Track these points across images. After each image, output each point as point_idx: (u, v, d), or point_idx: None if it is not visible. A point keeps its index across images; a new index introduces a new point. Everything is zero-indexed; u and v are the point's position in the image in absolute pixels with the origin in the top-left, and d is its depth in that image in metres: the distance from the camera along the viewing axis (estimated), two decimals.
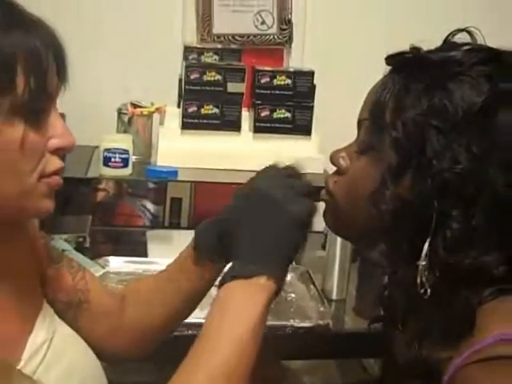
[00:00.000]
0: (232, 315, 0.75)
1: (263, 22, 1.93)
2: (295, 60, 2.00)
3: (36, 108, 0.73)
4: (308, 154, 1.84)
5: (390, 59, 0.83)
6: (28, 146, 0.72)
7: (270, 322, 1.38)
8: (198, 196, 2.10)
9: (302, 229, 0.80)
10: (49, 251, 0.92)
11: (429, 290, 0.74)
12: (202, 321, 0.75)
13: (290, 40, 1.96)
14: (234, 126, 1.81)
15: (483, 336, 0.74)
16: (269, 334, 1.35)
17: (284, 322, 1.39)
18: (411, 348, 0.78)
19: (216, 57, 1.83)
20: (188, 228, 1.99)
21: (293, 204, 0.79)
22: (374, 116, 0.80)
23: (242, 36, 1.93)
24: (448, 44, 0.82)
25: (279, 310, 1.43)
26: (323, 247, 1.70)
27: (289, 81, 1.80)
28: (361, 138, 0.83)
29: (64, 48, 0.75)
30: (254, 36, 1.94)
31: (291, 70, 1.83)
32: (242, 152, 1.81)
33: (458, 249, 0.73)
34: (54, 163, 0.77)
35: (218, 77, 1.75)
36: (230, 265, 0.80)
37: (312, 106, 1.83)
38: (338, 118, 2.00)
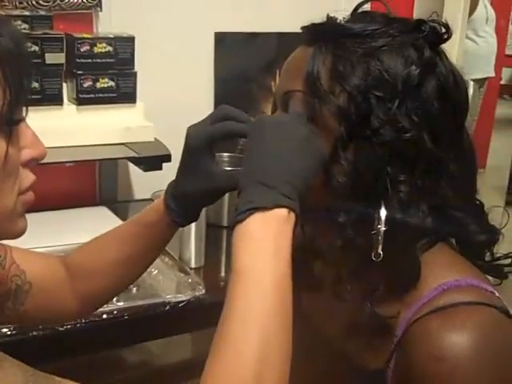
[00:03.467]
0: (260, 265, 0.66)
1: None
2: (104, 25, 1.90)
3: (14, 119, 0.64)
4: (136, 123, 1.79)
5: (309, 30, 0.83)
6: (9, 162, 0.64)
7: (145, 302, 1.37)
8: None
9: (323, 156, 0.76)
10: None
11: (381, 253, 0.77)
12: None
13: (99, 4, 1.85)
14: (56, 99, 1.68)
15: (426, 288, 0.79)
16: (146, 314, 1.35)
17: (160, 300, 1.36)
18: (362, 306, 0.80)
19: (25, 25, 1.67)
20: None
21: (310, 132, 0.75)
22: (310, 87, 0.79)
23: (47, 1, 1.78)
24: (361, 15, 0.84)
25: (149, 287, 1.39)
26: None
27: (110, 48, 1.71)
28: (295, 110, 0.81)
29: (27, 43, 0.66)
30: (61, 0, 1.80)
31: (111, 36, 1.73)
32: (66, 127, 1.70)
33: (410, 209, 0.77)
34: (28, 177, 0.69)
35: (35, 47, 1.60)
36: (240, 195, 0.71)
37: (135, 73, 1.77)
38: (159, 84, 1.97)
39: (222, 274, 1.66)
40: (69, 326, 1.22)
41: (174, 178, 0.89)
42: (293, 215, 0.69)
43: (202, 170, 0.83)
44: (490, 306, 0.77)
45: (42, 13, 1.73)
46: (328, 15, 0.84)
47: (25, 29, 1.68)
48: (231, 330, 0.63)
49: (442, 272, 0.81)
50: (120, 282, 0.96)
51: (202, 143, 0.83)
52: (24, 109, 0.67)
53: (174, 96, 2.02)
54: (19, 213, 0.70)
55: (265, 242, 0.67)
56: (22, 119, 0.67)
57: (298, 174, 0.72)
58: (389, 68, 0.77)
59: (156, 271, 1.48)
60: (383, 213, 0.77)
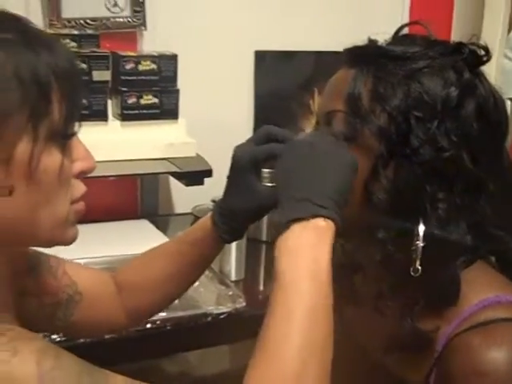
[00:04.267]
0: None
1: (115, 4, 1.85)
2: (148, 43, 1.96)
3: (69, 133, 0.69)
4: (178, 139, 1.83)
5: (351, 52, 0.86)
6: (63, 173, 0.68)
7: (187, 313, 1.40)
8: None
9: (353, 168, 0.78)
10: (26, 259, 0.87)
11: (420, 268, 0.79)
12: None
13: (144, 23, 1.90)
14: (102, 115, 1.73)
15: (467, 303, 0.81)
16: (188, 325, 1.38)
17: (202, 311, 1.39)
18: (403, 321, 0.83)
19: (74, 44, 1.73)
20: None
21: (339, 147, 0.79)
22: (352, 107, 0.82)
23: (94, 20, 1.84)
24: (402, 37, 0.87)
25: (190, 299, 1.42)
26: None
27: (154, 66, 1.76)
28: (337, 129, 0.84)
29: (79, 63, 0.71)
30: (107, 19, 1.86)
31: (155, 54, 1.78)
32: (110, 142, 1.75)
33: (449, 226, 0.79)
34: (80, 188, 0.73)
35: (83, 65, 1.66)
36: (278, 210, 0.76)
37: (178, 90, 1.81)
38: (201, 101, 2.01)
39: (261, 287, 1.69)
40: (114, 335, 1.25)
41: (213, 192, 0.93)
42: (331, 224, 0.73)
43: (248, 189, 0.87)
44: None
45: (90, 32, 1.79)
46: (369, 38, 0.87)
47: (73, 47, 1.73)
48: (272, 336, 0.67)
49: (483, 288, 0.83)
50: (167, 298, 1.00)
51: (247, 164, 0.87)
52: (77, 124, 0.71)
53: (215, 113, 2.06)
54: (71, 221, 0.73)
55: (304, 252, 0.71)
56: (76, 133, 0.71)
57: (331, 186, 0.75)
58: (428, 90, 0.80)
59: (197, 283, 1.51)
60: (421, 229, 0.79)
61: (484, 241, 0.85)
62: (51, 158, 0.67)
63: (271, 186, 0.87)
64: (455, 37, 2.26)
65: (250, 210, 0.89)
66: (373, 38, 0.87)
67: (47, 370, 0.62)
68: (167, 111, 1.81)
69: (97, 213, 1.89)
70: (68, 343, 1.27)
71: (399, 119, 0.79)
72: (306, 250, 0.71)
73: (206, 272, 1.59)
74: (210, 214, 0.94)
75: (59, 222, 0.71)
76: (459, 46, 0.84)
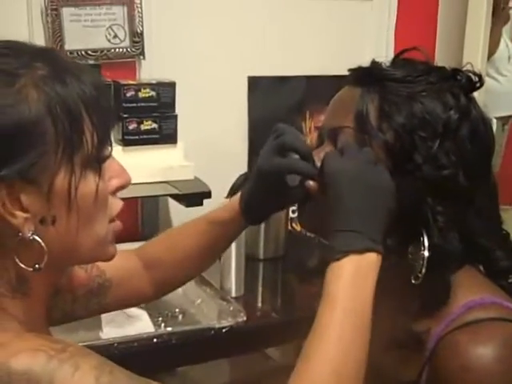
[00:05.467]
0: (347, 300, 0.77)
1: (115, 36, 1.94)
2: (146, 72, 2.04)
3: (103, 157, 0.73)
4: (176, 162, 1.90)
5: (357, 72, 0.92)
6: (100, 195, 0.72)
7: (191, 327, 1.46)
8: None
9: (393, 195, 0.83)
10: None
11: (420, 276, 0.86)
12: None
13: (142, 52, 1.99)
14: None
15: (455, 305, 0.88)
16: (193, 339, 1.44)
17: (206, 326, 1.46)
18: (398, 321, 0.90)
19: None
20: None
21: (379, 173, 0.84)
22: (360, 124, 0.87)
23: (95, 51, 1.92)
24: (403, 61, 0.93)
25: (193, 315, 1.49)
26: None
27: (153, 93, 1.84)
28: (347, 143, 0.88)
29: (107, 87, 0.75)
30: (108, 50, 1.94)
31: (154, 82, 1.86)
32: None
33: (447, 237, 0.86)
34: (117, 204, 0.77)
35: None
36: (334, 238, 0.81)
37: (176, 115, 1.89)
38: (199, 125, 2.09)
39: (259, 303, 1.77)
40: (123, 346, 1.31)
41: None
42: (380, 257, 0.80)
43: (274, 191, 0.94)
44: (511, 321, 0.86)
45: (91, 62, 1.87)
46: (373, 60, 0.93)
47: None
48: (321, 342, 0.75)
49: (469, 291, 0.89)
50: (191, 273, 1.07)
51: (272, 173, 0.92)
52: (109, 146, 0.74)
53: (212, 136, 2.14)
54: (110, 240, 0.77)
55: (354, 279, 0.78)
56: (109, 156, 0.74)
57: (380, 215, 0.82)
58: (430, 111, 0.86)
59: (199, 300, 1.58)
60: (426, 239, 0.85)
61: (473, 250, 0.93)
62: (88, 184, 0.71)
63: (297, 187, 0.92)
64: (438, 59, 2.35)
65: (275, 206, 0.99)
66: (376, 60, 0.93)
67: None
68: (166, 136, 1.89)
69: None
70: None
71: (405, 137, 0.85)
72: (356, 279, 0.78)
73: (208, 290, 1.66)
74: (238, 198, 1.00)
75: (100, 242, 0.75)
76: (456, 72, 0.90)
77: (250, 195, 0.99)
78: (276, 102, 2.29)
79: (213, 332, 1.46)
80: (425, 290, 0.89)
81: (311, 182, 0.88)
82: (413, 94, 0.87)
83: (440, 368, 0.85)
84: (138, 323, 1.44)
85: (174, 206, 2.03)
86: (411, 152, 0.86)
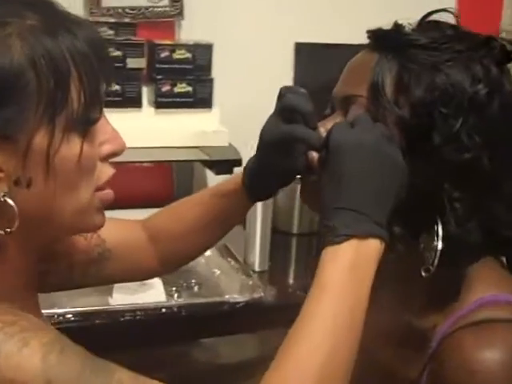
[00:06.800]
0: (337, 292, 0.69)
1: None
2: (186, 33, 1.98)
3: (91, 120, 0.67)
4: (211, 127, 1.85)
5: (374, 35, 0.82)
6: (85, 160, 0.67)
7: (203, 300, 1.42)
8: None
9: (405, 178, 0.74)
10: None
11: (431, 268, 0.76)
12: None
13: (181, 12, 1.92)
14: (135, 102, 1.76)
15: (466, 301, 0.80)
16: (204, 313, 1.39)
17: (218, 299, 1.41)
18: (402, 316, 0.82)
19: (110, 32, 1.77)
20: None
21: (393, 151, 0.74)
22: (375, 94, 0.77)
23: (133, 9, 1.87)
24: (430, 25, 0.82)
25: (210, 286, 1.44)
26: None
27: (188, 54, 1.78)
28: (358, 113, 0.79)
29: (107, 46, 0.70)
30: (146, 9, 1.88)
31: (190, 43, 1.80)
32: (144, 129, 1.78)
33: (464, 226, 0.76)
34: (107, 171, 0.72)
35: (118, 53, 1.69)
36: (332, 217, 0.72)
37: (212, 79, 1.83)
38: (236, 91, 2.02)
39: (288, 279, 1.70)
40: (128, 318, 1.28)
41: None
42: (383, 245, 0.71)
43: (276, 161, 0.84)
44: None
45: (127, 20, 1.82)
46: (396, 22, 0.82)
47: (109, 35, 1.77)
48: (305, 330, 0.68)
49: (485, 286, 0.81)
50: (198, 247, 1.01)
51: (275, 142, 0.83)
52: (100, 108, 0.68)
53: (250, 102, 2.06)
54: (96, 208, 0.72)
55: (351, 269, 0.69)
56: (98, 119, 0.69)
57: (388, 198, 0.72)
58: (455, 84, 0.75)
59: (219, 272, 1.53)
60: (440, 229, 0.76)
61: (495, 240, 0.83)
62: (70, 147, 0.66)
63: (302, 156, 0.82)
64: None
65: (279, 181, 0.89)
66: (400, 22, 0.81)
67: (51, 364, 0.62)
68: (201, 100, 1.83)
69: (133, 198, 1.93)
70: (85, 323, 1.31)
71: (423, 113, 0.75)
72: (354, 267, 0.69)
73: (232, 262, 1.61)
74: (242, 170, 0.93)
75: (81, 210, 0.70)
76: (489, 39, 0.79)
77: (252, 168, 0.90)
78: (323, 70, 2.19)
79: (226, 307, 1.41)
80: (434, 284, 0.79)
81: (313, 153, 0.78)
82: (437, 63, 0.76)
83: (442, 369, 0.78)
84: (150, 291, 1.40)
85: (210, 173, 1.98)
86: (429, 130, 0.75)
